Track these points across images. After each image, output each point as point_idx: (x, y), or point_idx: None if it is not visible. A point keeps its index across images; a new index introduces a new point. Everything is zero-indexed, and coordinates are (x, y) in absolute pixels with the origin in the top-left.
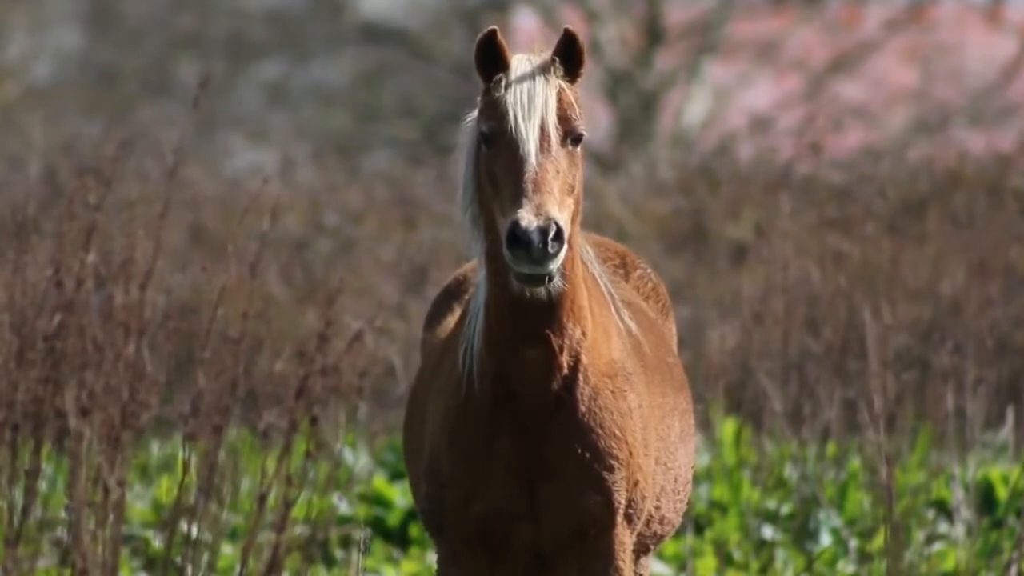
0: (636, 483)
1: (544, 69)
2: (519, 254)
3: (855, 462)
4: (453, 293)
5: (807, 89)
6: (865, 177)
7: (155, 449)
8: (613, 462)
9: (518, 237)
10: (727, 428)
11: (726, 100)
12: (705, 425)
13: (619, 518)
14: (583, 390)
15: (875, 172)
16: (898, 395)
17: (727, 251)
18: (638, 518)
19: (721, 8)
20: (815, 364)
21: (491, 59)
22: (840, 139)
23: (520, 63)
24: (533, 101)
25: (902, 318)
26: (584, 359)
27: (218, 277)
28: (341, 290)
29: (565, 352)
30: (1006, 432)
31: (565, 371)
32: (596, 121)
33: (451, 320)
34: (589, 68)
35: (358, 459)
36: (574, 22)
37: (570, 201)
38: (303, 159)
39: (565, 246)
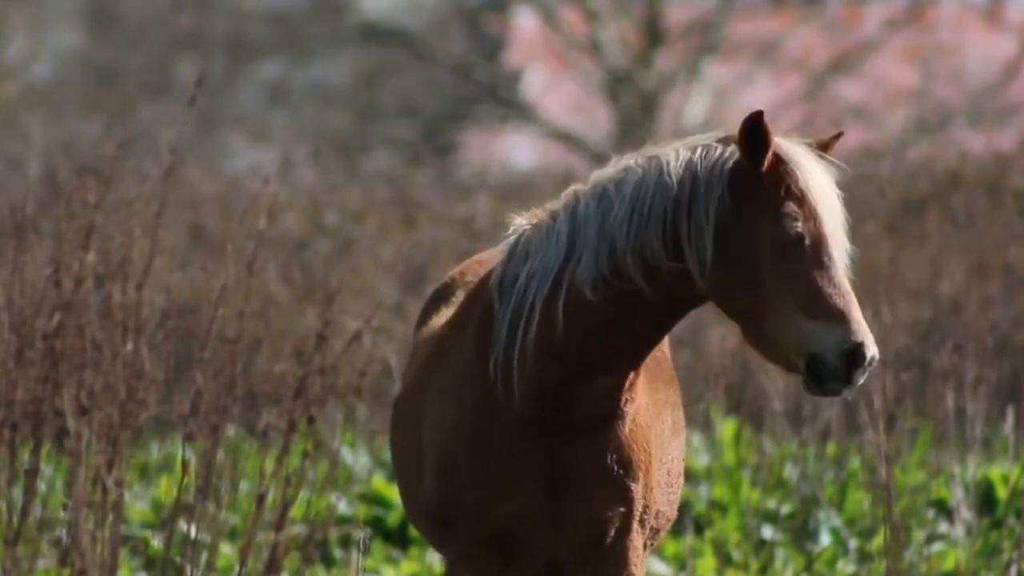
0: (651, 489)
1: (830, 171)
2: (854, 375)
3: (855, 462)
4: (442, 296)
5: (807, 89)
6: (865, 177)
7: (154, 449)
8: (639, 473)
9: (858, 361)
10: (727, 428)
11: (726, 100)
12: (705, 425)
13: (635, 524)
14: (630, 410)
15: (875, 172)
16: (898, 395)
17: None
18: (649, 521)
19: (721, 8)
20: None
21: (758, 139)
22: (840, 139)
23: (807, 155)
24: (836, 206)
25: (902, 318)
26: (638, 383)
27: (217, 277)
28: (340, 290)
29: (632, 382)
30: (1007, 430)
31: (624, 397)
32: (596, 121)
33: (437, 320)
34: (589, 68)
35: (357, 459)
36: (574, 22)
37: None
38: (303, 159)
39: None
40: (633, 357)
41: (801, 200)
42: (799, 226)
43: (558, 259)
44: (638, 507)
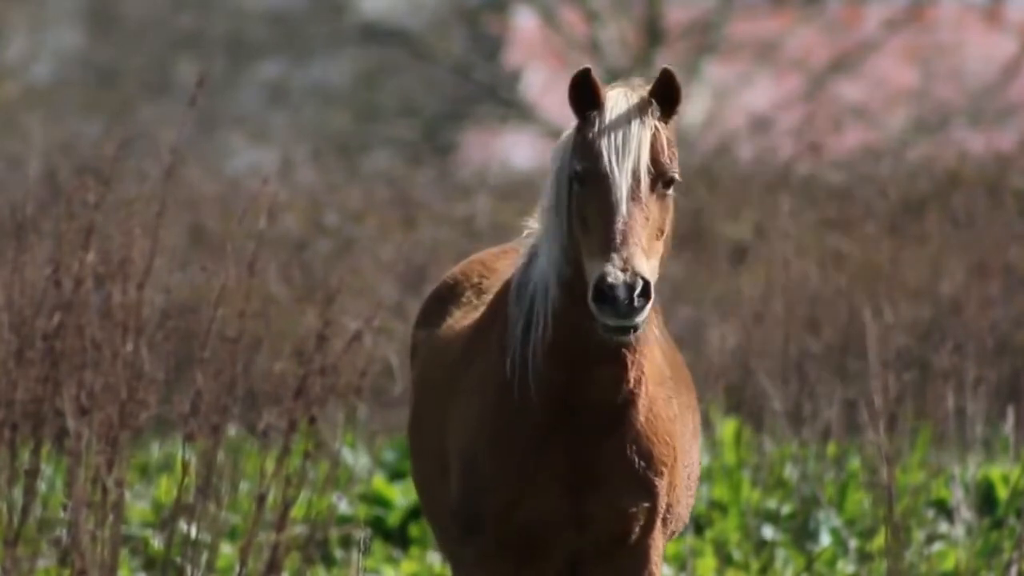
0: (675, 487)
1: (640, 110)
2: (605, 308)
3: (855, 462)
4: (446, 297)
5: (807, 89)
6: (865, 177)
7: (154, 449)
8: (663, 468)
9: (604, 292)
10: (727, 428)
11: (726, 100)
12: (705, 425)
13: (658, 522)
14: (643, 400)
15: (875, 172)
16: (898, 395)
17: (727, 251)
18: (672, 521)
19: (721, 8)
20: (815, 364)
21: (584, 96)
22: (840, 139)
23: (617, 101)
24: (627, 145)
25: (902, 318)
26: (645, 370)
27: (217, 277)
28: (340, 290)
29: (634, 366)
30: (1007, 430)
31: (631, 384)
32: None
33: (452, 322)
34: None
35: (357, 459)
36: (574, 22)
37: (659, 245)
38: (303, 159)
39: (653, 299)
40: (621, 345)
41: (589, 142)
42: (580, 166)
43: (547, 260)
44: (662, 504)
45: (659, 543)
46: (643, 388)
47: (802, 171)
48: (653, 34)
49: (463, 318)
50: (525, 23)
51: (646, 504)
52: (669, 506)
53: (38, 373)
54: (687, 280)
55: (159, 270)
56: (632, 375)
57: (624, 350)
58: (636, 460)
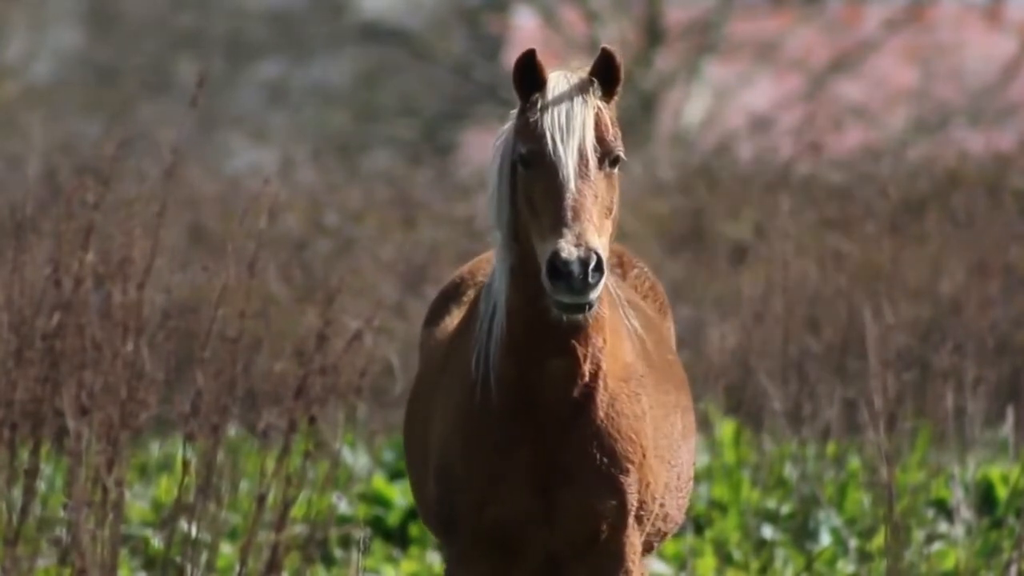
0: (647, 484)
1: (581, 89)
2: (560, 285)
3: (855, 462)
4: (451, 296)
5: (807, 89)
6: (865, 177)
7: (154, 448)
8: (628, 465)
9: (558, 268)
10: (727, 428)
11: (726, 100)
12: (705, 425)
13: (630, 520)
14: (602, 396)
15: (875, 172)
16: (898, 395)
17: (727, 251)
18: (648, 519)
19: (721, 8)
20: (815, 364)
21: (529, 79)
22: (840, 139)
23: (557, 82)
24: (571, 124)
25: (902, 318)
26: (603, 365)
27: (218, 276)
28: (340, 290)
29: (588, 360)
30: (1007, 430)
31: (587, 379)
32: None
33: (450, 321)
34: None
35: (357, 458)
36: (574, 22)
37: (608, 224)
38: (303, 159)
39: (606, 275)
40: (568, 335)
41: (532, 124)
42: (524, 148)
43: (496, 251)
44: (632, 502)
45: (634, 540)
46: (601, 383)
47: (802, 171)
48: (653, 34)
49: (459, 317)
50: (525, 23)
51: (614, 502)
52: (643, 504)
53: (38, 373)
54: (687, 280)
55: (159, 270)
56: (587, 368)
57: (575, 342)
58: (599, 457)
